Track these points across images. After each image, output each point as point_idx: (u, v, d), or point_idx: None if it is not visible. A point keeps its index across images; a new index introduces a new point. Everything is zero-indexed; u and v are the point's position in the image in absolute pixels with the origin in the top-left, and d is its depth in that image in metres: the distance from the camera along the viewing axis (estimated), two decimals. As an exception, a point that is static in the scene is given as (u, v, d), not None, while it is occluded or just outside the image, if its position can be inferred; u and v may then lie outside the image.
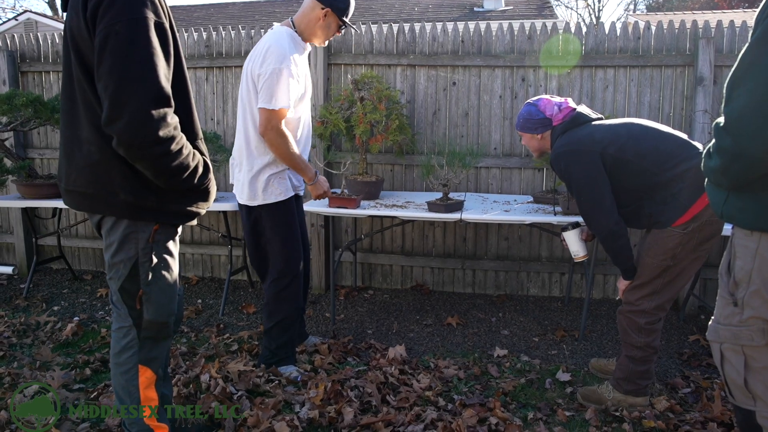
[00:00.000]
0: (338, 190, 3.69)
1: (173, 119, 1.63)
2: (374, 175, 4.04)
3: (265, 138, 2.62)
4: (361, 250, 4.49)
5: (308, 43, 2.82)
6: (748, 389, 1.44)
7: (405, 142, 3.96)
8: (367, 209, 3.47)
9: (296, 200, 2.92)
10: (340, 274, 4.54)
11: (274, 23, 2.87)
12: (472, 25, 4.21)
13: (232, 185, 2.94)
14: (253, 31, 4.43)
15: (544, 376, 2.99)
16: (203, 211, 1.89)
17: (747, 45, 1.30)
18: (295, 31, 2.74)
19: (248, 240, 2.97)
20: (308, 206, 3.52)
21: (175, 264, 1.88)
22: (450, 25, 4.23)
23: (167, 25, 1.66)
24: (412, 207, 3.57)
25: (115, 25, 1.53)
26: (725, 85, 1.34)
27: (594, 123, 2.57)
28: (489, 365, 3.09)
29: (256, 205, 2.79)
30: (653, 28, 4.01)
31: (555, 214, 3.38)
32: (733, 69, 1.33)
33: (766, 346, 1.40)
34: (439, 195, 3.58)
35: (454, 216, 3.34)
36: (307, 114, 2.87)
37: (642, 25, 4.06)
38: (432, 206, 3.40)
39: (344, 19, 2.76)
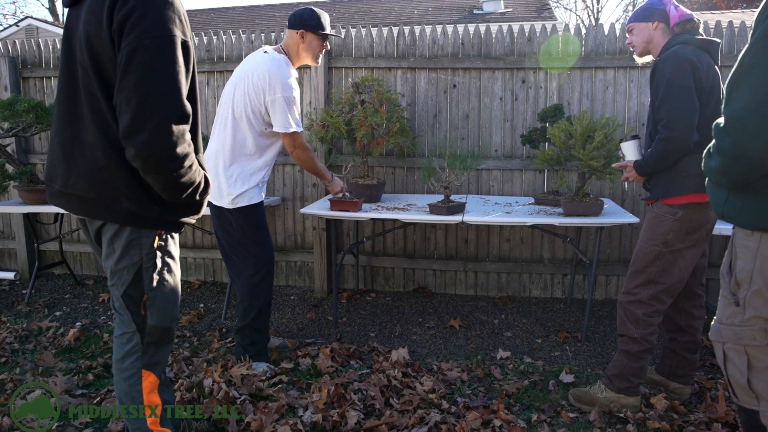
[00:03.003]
0: (340, 194, 3.69)
1: (188, 136, 1.66)
2: (375, 178, 4.05)
3: (294, 156, 2.97)
4: (363, 253, 4.49)
5: (295, 65, 3.03)
6: (751, 389, 1.44)
7: (406, 144, 3.96)
8: (369, 212, 3.48)
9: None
10: (343, 277, 4.54)
11: (266, 47, 3.02)
12: (471, 27, 4.22)
13: None
14: (253, 35, 4.44)
15: (547, 377, 2.98)
16: (193, 221, 1.91)
17: (747, 46, 1.31)
18: (287, 57, 2.97)
19: (223, 240, 3.09)
20: (310, 209, 3.52)
21: (177, 268, 1.89)
22: (450, 28, 4.24)
23: (191, 44, 1.69)
24: (413, 210, 3.57)
25: (145, 41, 1.55)
26: (725, 85, 1.35)
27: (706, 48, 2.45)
28: (492, 367, 3.08)
29: (232, 208, 2.92)
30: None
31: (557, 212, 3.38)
32: (733, 70, 1.33)
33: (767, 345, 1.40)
34: (441, 197, 3.58)
35: (456, 218, 3.34)
36: None
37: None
38: (433, 209, 3.40)
39: (321, 32, 2.97)
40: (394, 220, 3.60)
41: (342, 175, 3.59)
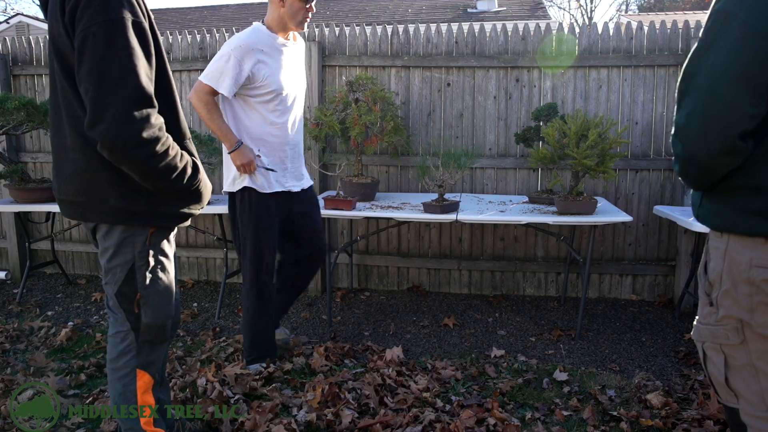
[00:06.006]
0: (334, 192, 3.68)
1: (157, 120, 1.60)
2: (369, 176, 4.04)
3: (192, 102, 2.75)
4: (357, 251, 4.48)
5: (283, 36, 2.85)
6: (729, 387, 1.46)
7: (400, 143, 3.95)
8: (363, 211, 3.47)
9: (290, 196, 2.96)
10: (337, 276, 4.54)
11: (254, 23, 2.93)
12: (466, 26, 4.22)
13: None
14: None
15: (541, 375, 2.99)
16: (196, 212, 1.87)
17: (689, 55, 1.36)
18: (265, 27, 2.82)
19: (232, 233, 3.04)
20: (304, 208, 3.51)
21: (171, 266, 1.87)
22: (444, 26, 4.24)
23: (146, 25, 1.63)
24: (407, 208, 3.56)
25: (92, 27, 1.51)
26: (675, 94, 1.38)
27: None
28: (486, 366, 3.08)
29: (232, 190, 2.88)
30: (645, 28, 4.02)
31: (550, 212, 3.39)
32: (678, 80, 1.39)
33: (741, 344, 1.42)
34: (435, 196, 3.58)
35: (450, 217, 3.34)
36: (299, 109, 2.98)
37: (634, 25, 4.07)
38: (428, 207, 3.40)
39: None
40: (389, 219, 3.60)
41: (336, 174, 3.59)
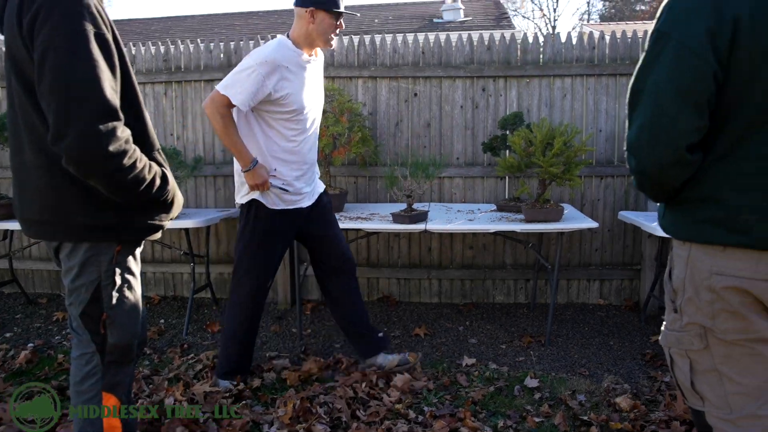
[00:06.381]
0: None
1: (124, 132, 1.56)
2: (337, 187, 4.02)
3: (206, 112, 2.63)
4: (326, 263, 4.44)
5: (308, 52, 2.77)
6: (695, 391, 1.50)
7: (368, 153, 3.95)
8: (332, 222, 3.45)
9: (302, 213, 2.91)
10: (306, 288, 4.50)
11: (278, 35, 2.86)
12: (432, 36, 4.25)
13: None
14: (212, 44, 4.38)
15: (512, 383, 3.00)
16: (167, 224, 1.83)
17: (635, 73, 1.41)
18: (294, 43, 2.73)
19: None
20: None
21: (137, 284, 1.83)
22: (410, 37, 4.26)
23: (109, 36, 1.58)
24: (376, 219, 3.56)
25: (54, 40, 1.46)
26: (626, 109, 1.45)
27: None
28: (458, 374, 3.08)
29: (242, 202, 2.83)
30: (607, 37, 4.11)
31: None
32: (627, 96, 1.44)
33: (705, 350, 1.46)
34: (404, 206, 3.58)
35: (419, 227, 3.34)
36: (316, 128, 2.94)
37: (597, 35, 4.16)
38: (396, 217, 3.40)
39: (335, 10, 2.66)
40: (358, 230, 3.59)
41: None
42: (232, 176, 4.36)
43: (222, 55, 4.34)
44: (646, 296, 3.96)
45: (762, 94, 1.29)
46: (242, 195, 2.80)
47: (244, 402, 2.70)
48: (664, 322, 1.58)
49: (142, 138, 1.72)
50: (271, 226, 2.80)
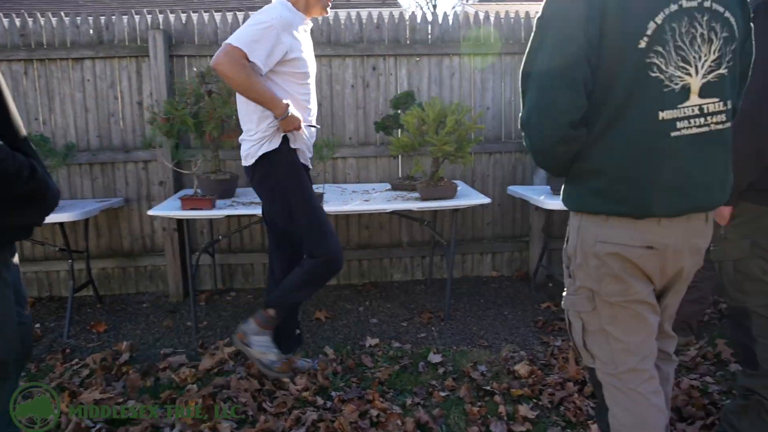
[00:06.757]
0: (191, 191, 3.46)
1: None
2: (228, 172, 3.85)
3: (222, 68, 2.34)
4: (219, 251, 4.26)
5: (308, 18, 2.61)
6: (587, 350, 1.64)
7: (259, 136, 3.79)
8: (225, 209, 3.30)
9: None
10: (198, 278, 4.29)
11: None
12: (319, 13, 4.14)
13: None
14: (79, 18, 3.98)
15: (416, 360, 3.05)
16: (42, 221, 1.63)
17: (524, 57, 1.51)
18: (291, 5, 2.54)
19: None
20: (159, 210, 3.26)
21: (9, 293, 1.62)
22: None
23: None
24: (272, 203, 3.44)
25: None
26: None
27: None
28: (363, 356, 3.09)
29: (254, 159, 2.55)
30: (492, 18, 4.22)
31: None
32: (519, 80, 1.54)
33: (594, 311, 1.59)
34: (299, 189, 3.50)
35: (317, 209, 3.27)
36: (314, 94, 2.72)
37: (482, 15, 4.26)
38: (293, 201, 3.30)
39: None
40: (252, 216, 3.46)
41: (191, 171, 3.37)
42: (110, 163, 4.06)
43: (92, 32, 3.97)
44: (536, 266, 4.18)
45: (629, 74, 1.41)
46: (253, 151, 2.54)
47: (140, 405, 2.53)
48: (565, 288, 1.69)
49: (3, 126, 1.51)
50: (300, 165, 2.62)
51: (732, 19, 1.46)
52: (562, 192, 1.66)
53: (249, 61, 2.34)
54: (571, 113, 1.43)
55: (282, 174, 2.55)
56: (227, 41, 2.35)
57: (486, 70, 4.25)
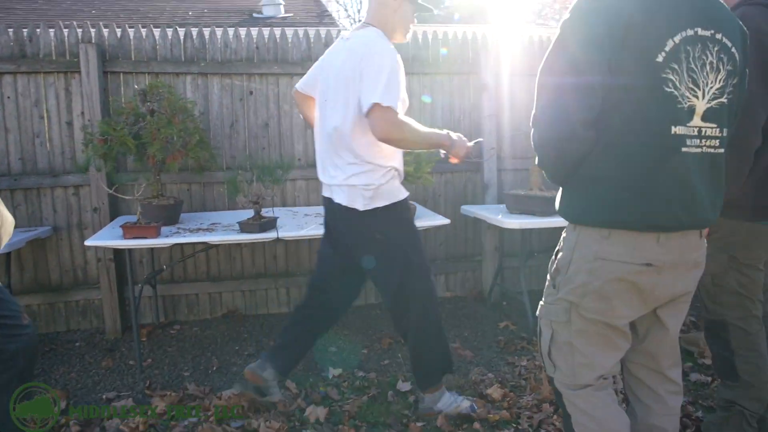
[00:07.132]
0: (133, 218, 3.20)
1: None
2: (171, 196, 3.60)
3: (383, 137, 2.20)
4: (160, 282, 3.97)
5: None
6: (550, 359, 1.68)
7: (205, 158, 3.58)
8: (171, 237, 3.06)
9: None
10: (139, 311, 3.97)
11: (343, 33, 2.49)
12: (266, 30, 3.99)
13: None
14: (-3, 32, 3.63)
15: (384, 389, 2.91)
16: None
17: (544, 60, 1.53)
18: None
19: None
20: (97, 240, 2.99)
21: None
22: (243, 31, 3.96)
23: None
24: (220, 229, 3.24)
25: None
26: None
27: None
28: (328, 388, 2.92)
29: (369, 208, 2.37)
30: (439, 38, 4.22)
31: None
32: (537, 78, 1.56)
33: (567, 323, 1.61)
34: (246, 213, 3.32)
35: (271, 235, 3.11)
36: None
37: (430, 36, 4.24)
38: (244, 226, 3.12)
39: (419, 1, 2.43)
40: (199, 243, 3.23)
41: (134, 197, 3.12)
42: (35, 189, 3.70)
43: (12, 44, 3.62)
44: (491, 284, 4.16)
45: (645, 84, 1.42)
46: (368, 198, 2.35)
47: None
48: (543, 297, 1.71)
49: None
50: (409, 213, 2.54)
51: (737, 55, 1.51)
52: (559, 202, 1.64)
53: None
54: (583, 112, 1.44)
55: (398, 226, 2.45)
56: (375, 101, 2.16)
57: (434, 88, 4.23)
